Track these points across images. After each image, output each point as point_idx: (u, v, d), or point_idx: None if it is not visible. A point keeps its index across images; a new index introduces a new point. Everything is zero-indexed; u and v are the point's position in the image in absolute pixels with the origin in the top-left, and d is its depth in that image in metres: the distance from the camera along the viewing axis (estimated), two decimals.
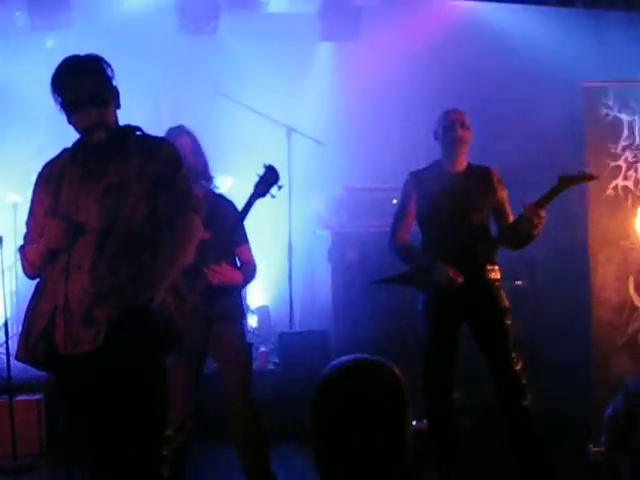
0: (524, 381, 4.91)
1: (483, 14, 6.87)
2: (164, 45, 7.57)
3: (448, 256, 4.95)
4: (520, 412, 4.91)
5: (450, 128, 5.05)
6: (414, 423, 6.07)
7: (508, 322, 4.97)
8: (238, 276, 4.70)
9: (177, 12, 7.41)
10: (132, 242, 3.37)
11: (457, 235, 4.99)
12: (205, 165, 4.76)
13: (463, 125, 5.06)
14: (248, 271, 4.79)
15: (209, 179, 4.79)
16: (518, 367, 4.91)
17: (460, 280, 4.90)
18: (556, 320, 6.51)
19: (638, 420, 4.97)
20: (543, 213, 4.80)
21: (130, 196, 3.38)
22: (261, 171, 4.60)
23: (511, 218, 5.10)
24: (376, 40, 7.85)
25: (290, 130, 6.94)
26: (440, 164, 5.17)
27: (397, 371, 2.23)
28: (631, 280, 5.98)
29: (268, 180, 4.59)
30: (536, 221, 4.80)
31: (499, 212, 5.14)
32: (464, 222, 5.01)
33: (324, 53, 7.89)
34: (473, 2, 6.75)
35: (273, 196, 4.64)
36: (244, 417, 4.66)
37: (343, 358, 2.26)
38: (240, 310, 4.87)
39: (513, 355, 4.91)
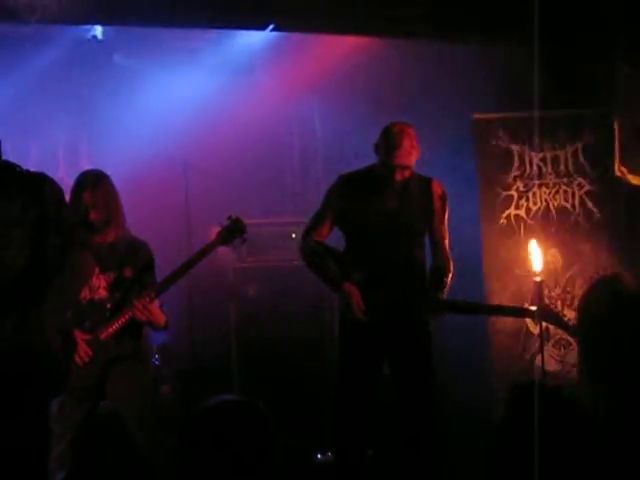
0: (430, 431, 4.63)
1: (375, 48, 6.94)
2: None
3: (375, 281, 4.56)
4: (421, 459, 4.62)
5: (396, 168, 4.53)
6: (319, 456, 6.06)
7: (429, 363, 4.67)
8: (162, 317, 4.57)
9: None
10: (14, 290, 3.23)
11: (390, 264, 4.56)
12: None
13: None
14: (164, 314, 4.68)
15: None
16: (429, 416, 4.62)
17: (362, 317, 4.48)
18: (455, 348, 6.57)
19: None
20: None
21: (11, 243, 3.24)
22: (225, 222, 4.67)
23: (446, 242, 4.73)
24: (271, 75, 7.87)
25: (186, 165, 6.86)
26: (376, 171, 4.63)
27: (263, 408, 2.28)
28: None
29: (235, 231, 4.69)
30: None
31: (433, 239, 4.73)
32: (398, 250, 4.59)
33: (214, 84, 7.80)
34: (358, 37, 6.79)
35: (234, 246, 4.76)
36: None
37: (210, 399, 2.28)
38: (146, 351, 4.80)
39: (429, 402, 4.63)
